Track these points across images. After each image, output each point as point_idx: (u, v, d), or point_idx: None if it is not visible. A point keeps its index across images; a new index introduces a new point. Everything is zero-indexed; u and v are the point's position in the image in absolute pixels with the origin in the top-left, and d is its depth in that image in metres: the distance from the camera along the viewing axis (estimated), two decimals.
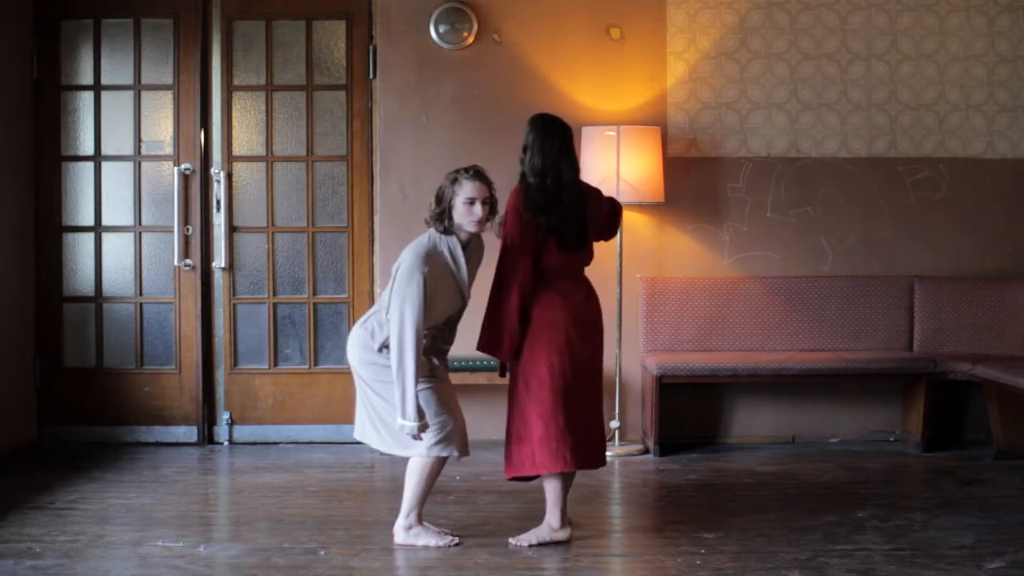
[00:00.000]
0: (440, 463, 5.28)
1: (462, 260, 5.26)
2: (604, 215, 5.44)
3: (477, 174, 5.28)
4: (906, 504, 6.07)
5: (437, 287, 5.15)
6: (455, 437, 5.24)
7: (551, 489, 5.31)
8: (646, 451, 7.37)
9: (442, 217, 5.24)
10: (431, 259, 5.15)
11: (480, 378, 7.36)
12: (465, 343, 7.62)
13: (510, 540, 5.32)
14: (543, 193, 5.26)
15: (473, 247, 5.34)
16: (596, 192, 5.47)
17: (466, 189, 5.22)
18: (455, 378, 7.30)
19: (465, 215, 5.21)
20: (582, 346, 5.30)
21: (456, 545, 5.24)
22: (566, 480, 5.34)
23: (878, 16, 7.69)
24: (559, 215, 5.26)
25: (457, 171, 5.29)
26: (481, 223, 5.23)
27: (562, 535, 5.32)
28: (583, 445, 5.27)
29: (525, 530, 5.45)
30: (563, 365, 5.23)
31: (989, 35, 7.70)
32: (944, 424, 7.60)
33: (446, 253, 5.22)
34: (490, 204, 5.27)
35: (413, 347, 5.03)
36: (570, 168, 5.34)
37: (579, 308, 5.34)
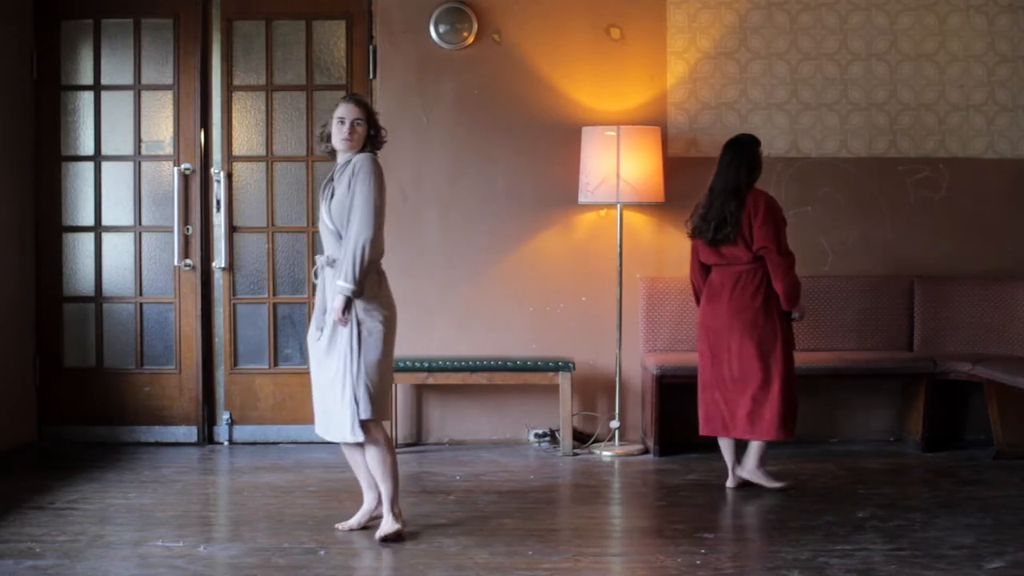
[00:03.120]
0: (385, 432, 5.35)
1: (334, 183, 5.40)
2: None
3: (351, 97, 5.48)
4: (906, 504, 6.07)
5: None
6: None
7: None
8: (646, 451, 7.37)
9: (322, 139, 5.50)
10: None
11: (480, 378, 7.36)
12: (465, 343, 7.63)
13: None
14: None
15: (352, 169, 5.35)
16: None
17: (338, 110, 5.42)
18: (455, 378, 7.35)
19: (336, 134, 5.40)
20: None
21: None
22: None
23: (878, 16, 7.69)
24: None
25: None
26: (348, 141, 5.36)
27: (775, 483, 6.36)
28: None
29: (525, 529, 5.46)
30: None
31: (989, 35, 7.70)
32: (944, 424, 7.60)
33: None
34: (367, 126, 5.39)
35: (377, 222, 5.23)
36: None
37: None
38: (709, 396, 6.41)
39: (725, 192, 6.26)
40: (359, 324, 5.28)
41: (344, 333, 5.27)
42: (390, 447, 5.39)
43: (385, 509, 5.37)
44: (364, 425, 5.28)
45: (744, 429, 6.31)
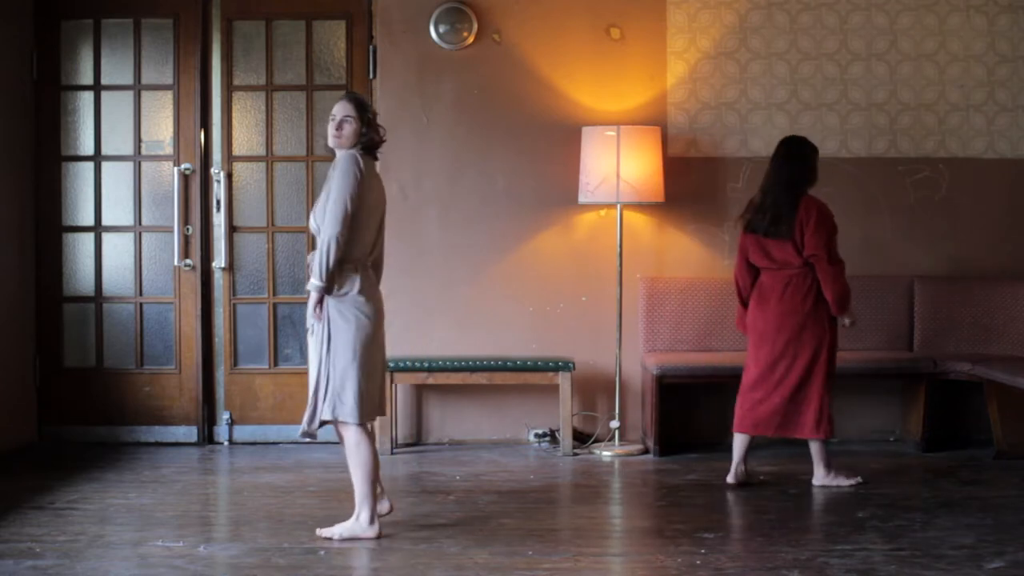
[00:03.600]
0: (368, 439, 5.33)
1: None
2: None
3: (345, 94, 5.50)
4: (906, 504, 6.07)
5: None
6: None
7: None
8: (646, 451, 7.37)
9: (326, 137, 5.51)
10: None
11: (480, 378, 7.36)
12: (465, 343, 7.63)
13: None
14: None
15: (332, 167, 5.38)
16: None
17: (333, 108, 5.41)
18: (455, 378, 7.35)
19: (328, 131, 5.41)
20: None
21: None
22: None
23: (878, 16, 7.69)
24: None
25: None
26: (336, 139, 5.35)
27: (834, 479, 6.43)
28: None
29: (525, 529, 5.46)
30: None
31: (989, 35, 7.70)
32: (944, 424, 7.59)
33: None
34: (358, 124, 5.35)
35: (345, 220, 5.21)
36: None
37: None
38: (749, 396, 6.45)
39: (779, 185, 6.33)
40: (329, 323, 5.29)
41: (318, 331, 5.31)
42: (363, 449, 5.30)
43: (357, 506, 5.36)
44: (338, 423, 5.32)
45: (782, 428, 6.38)
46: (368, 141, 5.38)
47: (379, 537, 5.32)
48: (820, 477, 6.44)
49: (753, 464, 7.03)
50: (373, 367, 5.34)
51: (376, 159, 5.45)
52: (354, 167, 5.27)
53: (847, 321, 6.39)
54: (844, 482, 6.44)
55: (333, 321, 5.29)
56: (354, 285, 5.29)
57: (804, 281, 6.31)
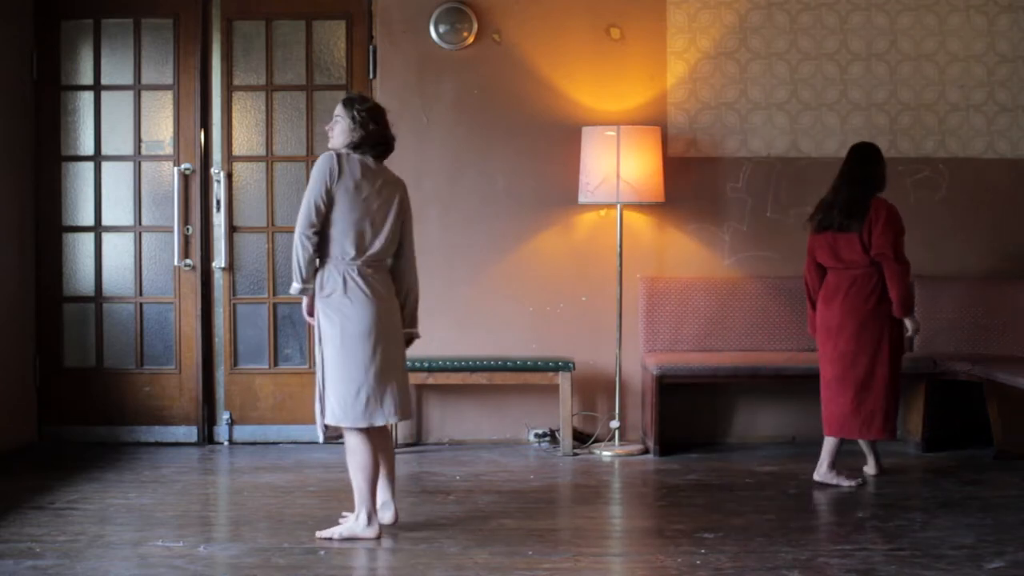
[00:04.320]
0: (363, 441, 5.31)
1: None
2: None
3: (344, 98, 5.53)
4: (906, 504, 6.07)
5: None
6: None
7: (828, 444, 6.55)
8: (646, 451, 7.37)
9: None
10: None
11: (480, 378, 7.36)
12: (465, 343, 7.63)
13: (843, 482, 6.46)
14: None
15: None
16: None
17: None
18: (455, 378, 7.34)
19: None
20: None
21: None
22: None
23: (878, 16, 7.69)
24: None
25: None
26: (330, 139, 5.44)
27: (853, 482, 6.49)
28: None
29: (524, 529, 5.46)
30: None
31: (989, 35, 7.70)
32: (944, 424, 7.59)
33: None
34: (346, 122, 5.37)
35: (304, 219, 5.27)
36: None
37: None
38: (824, 397, 6.54)
39: (851, 184, 6.43)
40: (320, 325, 5.32)
41: (315, 332, 5.37)
42: (358, 453, 5.30)
43: (356, 506, 5.36)
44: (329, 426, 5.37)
45: (852, 429, 6.47)
46: (359, 139, 5.35)
47: (378, 537, 5.32)
48: (823, 472, 6.52)
49: (753, 463, 7.04)
50: (366, 370, 5.27)
51: (377, 156, 5.40)
52: (324, 167, 5.27)
53: (910, 328, 6.44)
54: (844, 483, 6.45)
55: (320, 323, 5.31)
56: (337, 286, 5.28)
57: (869, 281, 6.38)
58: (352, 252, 5.29)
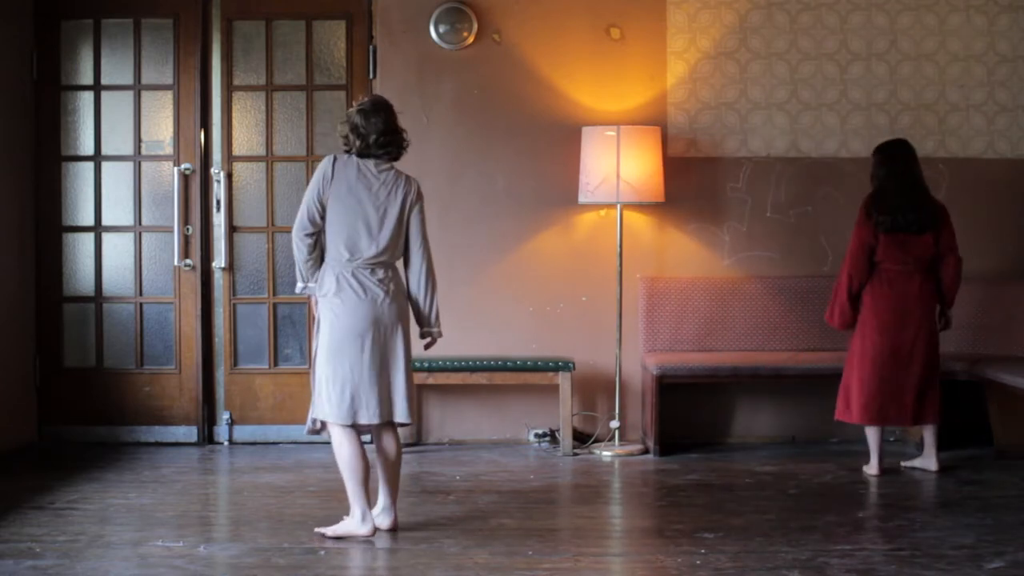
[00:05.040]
0: (347, 439, 5.34)
1: None
2: None
3: None
4: (906, 504, 6.07)
5: None
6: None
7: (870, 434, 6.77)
8: (646, 451, 7.37)
9: None
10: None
11: (480, 378, 7.36)
12: (465, 343, 7.63)
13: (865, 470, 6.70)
14: None
15: None
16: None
17: None
18: (455, 378, 7.35)
19: None
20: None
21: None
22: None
23: (878, 16, 7.69)
24: None
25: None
26: None
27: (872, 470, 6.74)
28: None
29: (524, 529, 5.46)
30: None
31: (989, 35, 7.70)
32: (944, 424, 7.58)
33: None
34: (343, 127, 5.44)
35: (299, 221, 5.37)
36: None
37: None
38: (871, 386, 6.69)
39: (916, 185, 6.65)
40: (317, 323, 5.42)
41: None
42: (342, 450, 5.35)
43: (350, 505, 5.40)
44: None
45: (907, 417, 6.71)
46: (358, 141, 5.35)
47: (373, 535, 5.32)
48: (936, 460, 6.81)
49: (753, 463, 7.04)
50: (352, 369, 5.28)
51: (387, 156, 5.37)
52: (320, 171, 5.36)
53: (945, 319, 6.79)
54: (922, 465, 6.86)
55: (318, 319, 5.41)
56: (331, 287, 5.34)
57: (927, 276, 6.66)
58: (346, 254, 5.32)
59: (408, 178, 5.46)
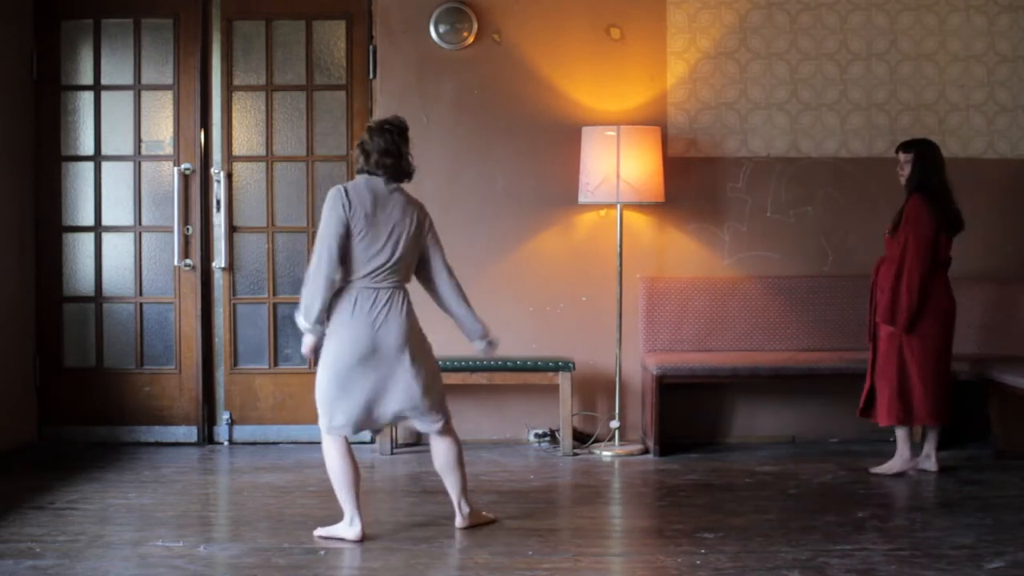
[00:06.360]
0: (336, 448, 5.35)
1: None
2: None
3: None
4: (906, 504, 6.07)
5: None
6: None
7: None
8: (646, 451, 7.37)
9: None
10: None
11: (480, 378, 7.36)
12: (465, 343, 7.62)
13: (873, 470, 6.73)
14: None
15: None
16: None
17: None
18: (455, 377, 7.34)
19: None
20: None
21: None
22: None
23: (878, 16, 7.69)
24: None
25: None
26: None
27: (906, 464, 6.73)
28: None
29: (524, 529, 5.46)
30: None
31: (989, 35, 7.70)
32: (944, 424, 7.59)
33: None
34: (356, 151, 5.44)
35: (314, 259, 5.27)
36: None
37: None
38: (943, 383, 6.69)
39: (948, 183, 6.68)
40: (328, 330, 5.35)
41: None
42: (329, 458, 5.36)
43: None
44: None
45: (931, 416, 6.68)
46: (363, 160, 5.36)
47: (361, 540, 5.32)
48: (935, 459, 6.78)
49: (753, 463, 7.04)
50: (350, 382, 5.28)
51: (390, 176, 5.35)
52: (335, 202, 5.26)
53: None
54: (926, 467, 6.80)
55: (328, 328, 5.34)
56: (341, 302, 5.30)
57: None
58: (358, 272, 5.29)
59: (416, 201, 5.47)
